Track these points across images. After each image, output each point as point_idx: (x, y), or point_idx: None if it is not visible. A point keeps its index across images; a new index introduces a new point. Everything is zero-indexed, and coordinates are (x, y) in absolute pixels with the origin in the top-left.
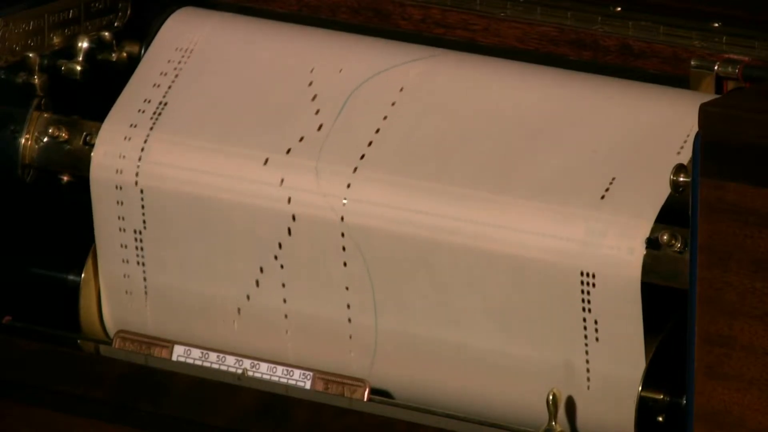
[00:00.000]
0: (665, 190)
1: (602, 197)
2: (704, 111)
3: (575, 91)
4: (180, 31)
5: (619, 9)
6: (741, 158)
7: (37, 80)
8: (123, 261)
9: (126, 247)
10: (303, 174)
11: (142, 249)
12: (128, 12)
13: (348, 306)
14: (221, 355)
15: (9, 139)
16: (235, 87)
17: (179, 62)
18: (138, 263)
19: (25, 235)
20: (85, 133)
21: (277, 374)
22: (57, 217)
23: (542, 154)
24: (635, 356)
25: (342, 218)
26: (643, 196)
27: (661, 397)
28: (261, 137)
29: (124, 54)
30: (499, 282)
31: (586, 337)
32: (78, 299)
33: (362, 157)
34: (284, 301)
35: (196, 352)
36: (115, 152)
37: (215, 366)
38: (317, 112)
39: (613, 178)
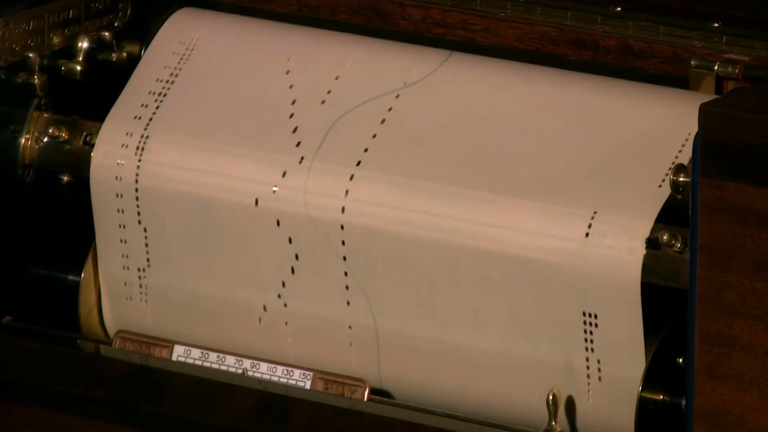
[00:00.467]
0: (665, 190)
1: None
2: (704, 111)
3: (575, 92)
4: (180, 32)
5: (619, 9)
6: (741, 158)
7: (37, 80)
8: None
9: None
10: (303, 173)
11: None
12: (128, 12)
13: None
14: (221, 355)
15: (9, 139)
16: (235, 87)
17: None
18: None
19: (25, 235)
20: (85, 133)
21: (277, 374)
22: (57, 217)
23: (542, 154)
24: (635, 356)
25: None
26: (643, 196)
27: (661, 397)
28: (260, 137)
29: (124, 54)
30: (499, 282)
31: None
32: (78, 299)
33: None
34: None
35: (196, 352)
36: (115, 152)
37: (215, 366)
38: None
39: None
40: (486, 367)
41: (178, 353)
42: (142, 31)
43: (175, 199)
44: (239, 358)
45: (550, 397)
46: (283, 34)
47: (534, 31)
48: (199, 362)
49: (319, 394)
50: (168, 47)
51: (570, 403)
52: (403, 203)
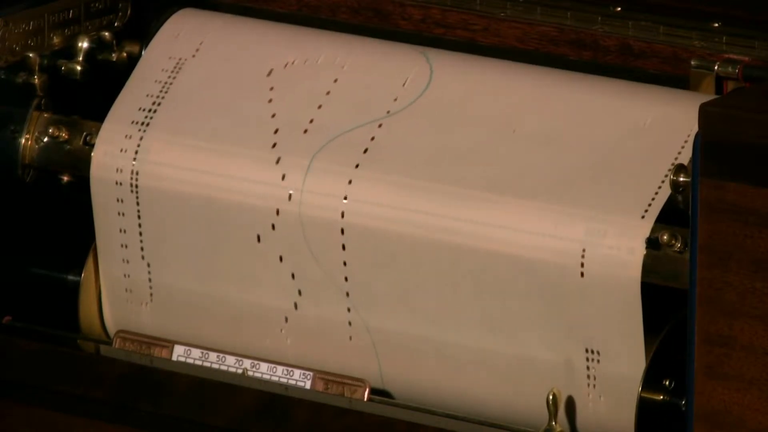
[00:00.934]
0: (665, 190)
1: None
2: (704, 111)
3: (575, 92)
4: (179, 32)
5: (619, 9)
6: (741, 158)
7: (37, 80)
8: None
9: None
10: (303, 173)
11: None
12: (128, 12)
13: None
14: (221, 355)
15: (9, 139)
16: (235, 87)
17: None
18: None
19: (25, 235)
20: (85, 133)
21: (277, 374)
22: (57, 217)
23: (542, 155)
24: (635, 356)
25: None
26: (643, 196)
27: (661, 397)
28: (260, 137)
29: (124, 54)
30: (498, 282)
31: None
32: (78, 299)
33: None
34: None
35: (196, 352)
36: (115, 152)
37: (215, 366)
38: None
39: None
40: (486, 367)
41: (178, 353)
42: (142, 31)
43: (174, 199)
44: (239, 358)
45: (550, 397)
46: (283, 34)
47: (534, 31)
48: (199, 362)
49: (319, 394)
50: (167, 47)
51: (570, 403)
52: (401, 203)
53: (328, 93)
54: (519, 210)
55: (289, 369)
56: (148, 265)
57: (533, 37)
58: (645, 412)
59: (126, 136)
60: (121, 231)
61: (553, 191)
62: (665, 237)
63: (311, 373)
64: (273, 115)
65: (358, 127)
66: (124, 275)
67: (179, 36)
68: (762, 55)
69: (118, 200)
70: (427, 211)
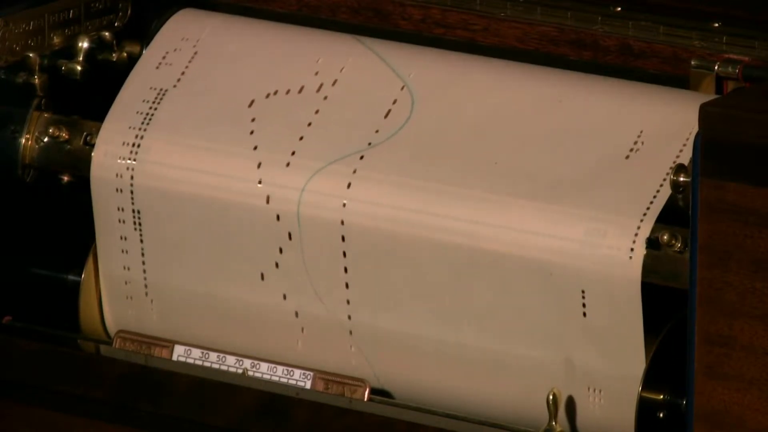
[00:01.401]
0: (665, 190)
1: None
2: (704, 111)
3: (575, 92)
4: (180, 32)
5: (619, 9)
6: (741, 158)
7: (37, 80)
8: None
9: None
10: (303, 173)
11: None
12: (128, 12)
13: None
14: (221, 355)
15: (9, 139)
16: (235, 87)
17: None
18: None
19: (25, 235)
20: (85, 133)
21: (278, 374)
22: (57, 217)
23: (542, 155)
24: (635, 356)
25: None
26: (643, 196)
27: (661, 397)
28: (260, 137)
29: (125, 54)
30: (499, 282)
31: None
32: (78, 299)
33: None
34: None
35: (196, 352)
36: (116, 152)
37: (215, 366)
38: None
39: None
40: (486, 367)
41: (179, 353)
42: (142, 31)
43: (174, 199)
44: (239, 358)
45: (550, 397)
46: (283, 34)
47: (534, 31)
48: (199, 362)
49: (319, 394)
50: (168, 47)
51: (570, 403)
52: (401, 203)
53: (309, 124)
54: (519, 210)
55: (289, 369)
56: (148, 265)
57: (533, 37)
58: (645, 412)
59: (126, 137)
60: (120, 231)
61: (553, 191)
62: (665, 237)
63: (311, 373)
64: (255, 147)
65: (340, 159)
66: (124, 275)
67: (179, 36)
68: (762, 55)
69: (118, 200)
70: (427, 212)
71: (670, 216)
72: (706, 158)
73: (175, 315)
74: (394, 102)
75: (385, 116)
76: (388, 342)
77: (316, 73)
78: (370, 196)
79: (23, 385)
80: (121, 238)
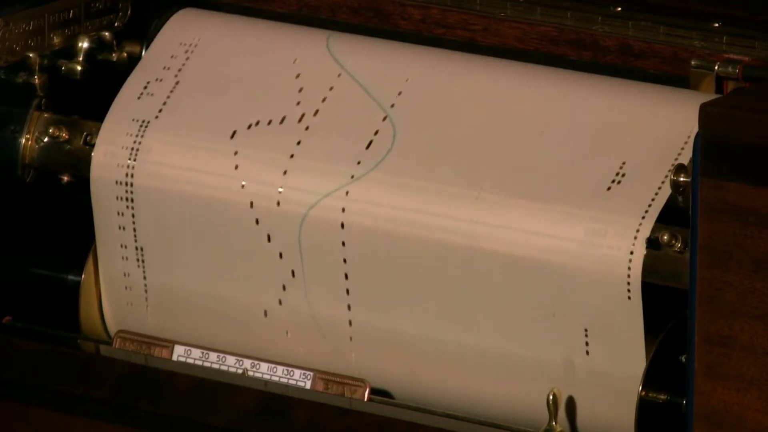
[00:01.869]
0: (665, 190)
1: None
2: (704, 111)
3: (575, 91)
4: (180, 32)
5: (619, 9)
6: (741, 158)
7: (37, 80)
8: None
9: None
10: (303, 174)
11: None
12: (128, 12)
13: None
14: (221, 355)
15: (9, 139)
16: (235, 87)
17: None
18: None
19: (25, 235)
20: (85, 133)
21: (278, 374)
22: (57, 217)
23: (542, 154)
24: (635, 356)
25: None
26: (643, 196)
27: (661, 397)
28: (260, 137)
29: (125, 54)
30: (499, 282)
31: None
32: (78, 299)
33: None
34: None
35: (196, 352)
36: (116, 152)
37: (215, 366)
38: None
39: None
40: (486, 367)
41: (179, 353)
42: (142, 31)
43: (174, 199)
44: (239, 358)
45: (550, 397)
46: (284, 34)
47: (534, 31)
48: (199, 362)
49: (319, 394)
50: (168, 47)
51: (570, 403)
52: (401, 203)
53: (291, 156)
54: (519, 210)
55: (289, 369)
56: (148, 265)
57: (533, 37)
58: (645, 412)
59: (126, 137)
60: (120, 231)
61: (553, 191)
62: (665, 237)
63: (311, 373)
64: (243, 186)
65: (325, 197)
66: (124, 275)
67: (180, 36)
68: (762, 55)
69: (117, 200)
70: (427, 212)
71: (670, 216)
72: (706, 158)
73: (174, 315)
74: (376, 133)
75: (367, 147)
76: (388, 342)
77: (298, 103)
78: (370, 196)
79: (23, 385)
80: (121, 238)
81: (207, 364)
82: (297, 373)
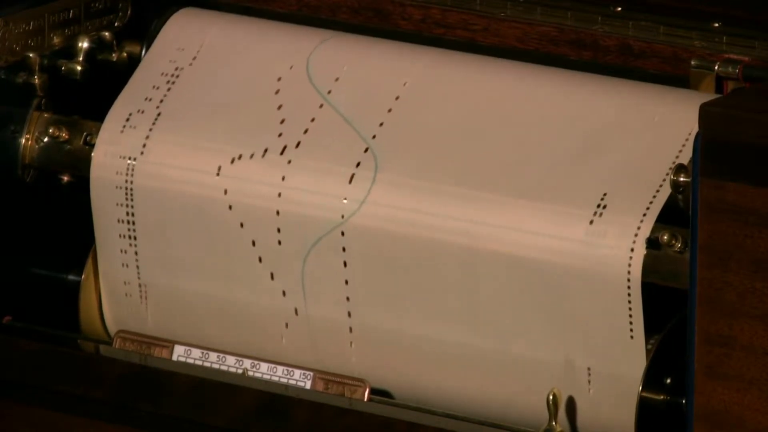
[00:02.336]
0: (665, 190)
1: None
2: (704, 111)
3: (575, 91)
4: (181, 32)
5: (619, 9)
6: (741, 158)
7: (37, 80)
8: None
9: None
10: (303, 174)
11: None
12: (128, 12)
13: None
14: (221, 355)
15: (9, 139)
16: (235, 87)
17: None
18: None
19: (25, 235)
20: (85, 133)
21: (277, 374)
22: (57, 217)
23: (542, 154)
24: (635, 356)
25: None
26: (643, 196)
27: (661, 397)
28: (260, 137)
29: (125, 54)
30: (499, 282)
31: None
32: (78, 299)
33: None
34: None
35: (196, 352)
36: (116, 152)
37: (215, 366)
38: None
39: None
40: (486, 367)
41: (179, 353)
42: (142, 31)
43: (174, 199)
44: (239, 358)
45: (550, 397)
46: (284, 34)
47: (534, 31)
48: (199, 362)
49: (319, 394)
50: (169, 47)
51: (570, 403)
52: (400, 203)
53: (279, 195)
54: (519, 210)
55: (289, 369)
56: (147, 265)
57: (533, 37)
58: (645, 412)
59: (126, 137)
60: (120, 231)
61: (553, 191)
62: (665, 237)
63: (311, 373)
64: (241, 225)
65: (322, 237)
66: (124, 275)
67: (180, 36)
68: (762, 55)
69: (117, 200)
70: (427, 212)
71: (670, 216)
72: (706, 158)
73: (174, 315)
74: (358, 165)
75: (350, 182)
76: (388, 342)
77: (280, 135)
78: (370, 196)
79: (23, 385)
80: (121, 238)
81: (207, 364)
82: (297, 373)
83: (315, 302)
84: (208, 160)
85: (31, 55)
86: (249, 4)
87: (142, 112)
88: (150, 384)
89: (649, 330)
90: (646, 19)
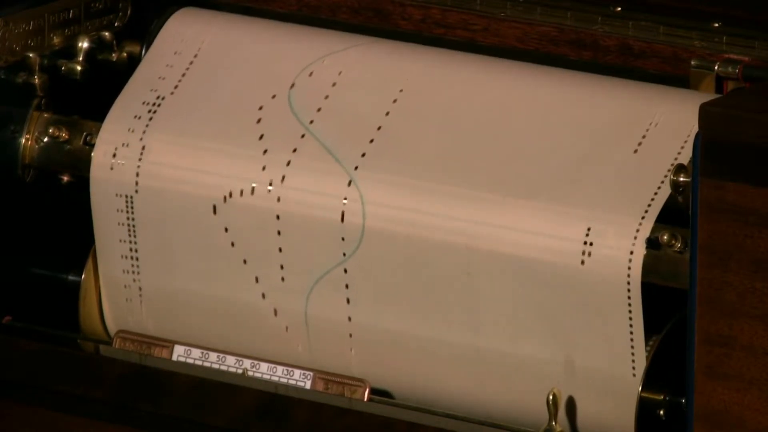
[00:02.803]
0: (665, 190)
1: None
2: (704, 111)
3: (575, 91)
4: (181, 32)
5: (619, 9)
6: (741, 158)
7: (37, 80)
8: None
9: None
10: (303, 174)
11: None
12: (128, 12)
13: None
14: (221, 355)
15: (9, 139)
16: (235, 87)
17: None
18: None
19: (25, 235)
20: (85, 133)
21: (277, 374)
22: (57, 217)
23: (542, 154)
24: (635, 356)
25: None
26: (643, 196)
27: (661, 397)
28: (261, 137)
29: (124, 54)
30: (499, 282)
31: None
32: (78, 299)
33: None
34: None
35: (196, 352)
36: (116, 152)
37: (215, 366)
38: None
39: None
40: (486, 367)
41: (179, 353)
42: (142, 31)
43: (174, 200)
44: (239, 358)
45: (550, 397)
46: (284, 34)
47: (534, 31)
48: (199, 362)
49: (319, 394)
50: (168, 47)
51: (570, 403)
52: (400, 203)
53: (279, 233)
54: (519, 210)
55: (289, 369)
56: (147, 265)
57: (533, 37)
58: (645, 412)
59: (126, 137)
60: (120, 231)
61: (553, 191)
62: (665, 237)
63: (311, 373)
64: (245, 262)
65: (328, 272)
66: (124, 275)
67: (180, 36)
68: (762, 55)
69: (117, 200)
70: (427, 212)
71: (670, 216)
72: (706, 158)
73: (172, 315)
74: (345, 200)
75: (342, 220)
76: (388, 342)
77: (264, 168)
78: (370, 195)
79: (23, 385)
80: (120, 238)
81: (207, 364)
82: (297, 373)
83: (316, 304)
84: (209, 160)
85: (31, 55)
86: (249, 4)
87: (142, 112)
88: (150, 384)
89: (649, 330)
90: (646, 19)
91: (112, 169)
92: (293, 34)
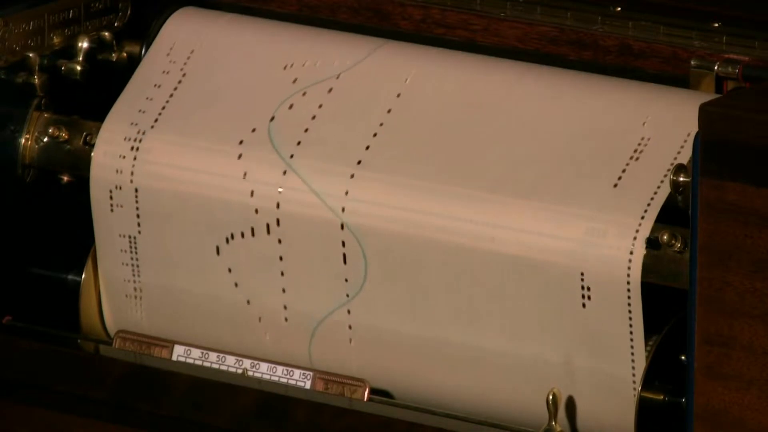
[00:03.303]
0: (665, 190)
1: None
2: (704, 111)
3: (575, 91)
4: (181, 32)
5: (619, 9)
6: (741, 158)
7: (37, 80)
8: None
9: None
10: (303, 174)
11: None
12: (128, 12)
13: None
14: (221, 355)
15: (9, 139)
16: (235, 87)
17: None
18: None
19: (25, 235)
20: (85, 133)
21: (277, 374)
22: (57, 217)
23: (542, 154)
24: (635, 356)
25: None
26: (643, 196)
27: (661, 397)
28: (261, 137)
29: (124, 54)
30: (499, 282)
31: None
32: (78, 299)
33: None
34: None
35: (196, 352)
36: (115, 152)
37: (215, 366)
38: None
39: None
40: (486, 367)
41: (178, 353)
42: (142, 31)
43: (174, 199)
44: (239, 358)
45: (550, 397)
46: (284, 33)
47: (534, 31)
48: (199, 362)
49: (319, 394)
50: (169, 47)
51: (570, 403)
52: (399, 203)
53: (281, 258)
54: (519, 210)
55: (289, 369)
56: (148, 265)
57: (533, 37)
58: (645, 412)
59: (126, 137)
60: (120, 231)
61: (553, 191)
62: (665, 237)
63: (311, 373)
64: (248, 302)
65: (332, 311)
66: (124, 275)
67: (180, 35)
68: (762, 55)
69: (117, 200)
70: (427, 211)
71: (670, 216)
72: (706, 158)
73: (174, 315)
74: (343, 244)
75: (345, 262)
76: (388, 342)
77: (256, 211)
78: (370, 195)
79: (23, 385)
80: (120, 238)
81: (207, 364)
82: (297, 373)
83: (315, 301)
84: (209, 160)
85: (31, 55)
86: (249, 4)
87: (142, 112)
88: (150, 384)
89: (649, 330)
90: (646, 19)
91: (112, 169)
92: (293, 34)
